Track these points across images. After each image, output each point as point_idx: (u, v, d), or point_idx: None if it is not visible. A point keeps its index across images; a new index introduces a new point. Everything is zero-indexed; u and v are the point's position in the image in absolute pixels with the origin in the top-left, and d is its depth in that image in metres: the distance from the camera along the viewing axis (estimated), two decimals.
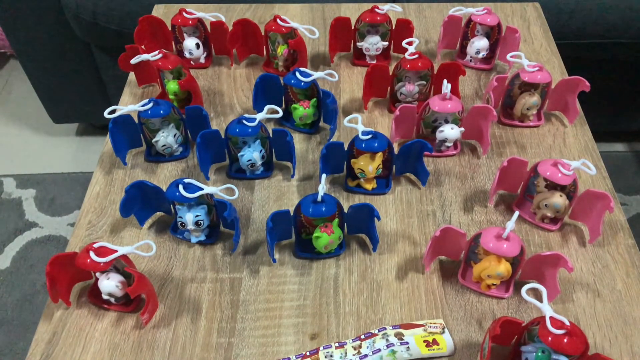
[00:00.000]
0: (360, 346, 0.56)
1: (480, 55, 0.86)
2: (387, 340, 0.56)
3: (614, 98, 1.46)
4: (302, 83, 0.73)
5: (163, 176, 0.73)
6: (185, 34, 0.86)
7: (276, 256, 0.64)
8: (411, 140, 0.69)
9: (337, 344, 0.56)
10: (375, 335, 0.57)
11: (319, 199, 0.60)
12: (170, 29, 0.86)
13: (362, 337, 0.57)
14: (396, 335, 0.57)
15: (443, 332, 0.57)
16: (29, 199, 1.57)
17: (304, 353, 0.56)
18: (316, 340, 0.57)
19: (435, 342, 0.56)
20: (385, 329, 0.58)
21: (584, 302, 0.60)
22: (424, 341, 0.56)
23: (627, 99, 1.48)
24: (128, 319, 0.59)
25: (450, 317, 0.59)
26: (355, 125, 0.66)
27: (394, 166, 0.70)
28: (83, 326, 0.58)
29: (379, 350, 0.55)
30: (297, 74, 0.73)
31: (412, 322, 0.59)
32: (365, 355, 0.55)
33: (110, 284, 0.57)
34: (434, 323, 0.58)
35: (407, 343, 0.56)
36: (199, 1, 0.96)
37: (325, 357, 0.55)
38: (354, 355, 0.55)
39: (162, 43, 0.87)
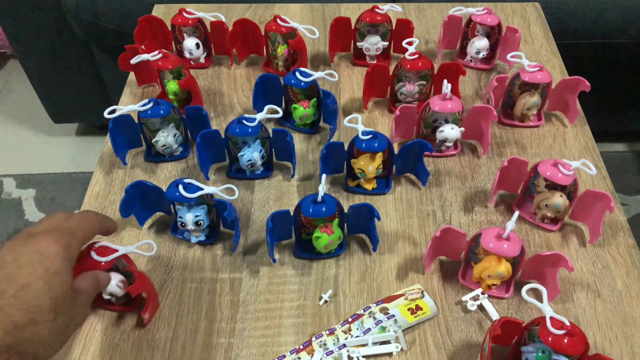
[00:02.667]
0: (349, 329, 0.57)
1: (480, 55, 0.86)
2: (374, 318, 0.57)
3: (614, 98, 1.46)
4: (302, 83, 0.73)
5: (163, 176, 0.73)
6: (185, 34, 0.86)
7: (276, 256, 0.64)
8: (411, 140, 0.69)
9: (327, 332, 0.57)
10: (362, 315, 0.58)
11: (319, 199, 0.60)
12: (170, 28, 0.86)
13: (350, 319, 0.58)
14: (381, 310, 0.58)
15: (423, 296, 0.59)
16: (28, 199, 1.58)
17: (297, 347, 0.56)
18: None
19: (418, 307, 0.58)
20: (370, 307, 0.59)
21: (584, 302, 0.60)
22: (408, 309, 0.58)
23: (627, 99, 1.49)
24: (128, 319, 0.59)
25: (450, 317, 0.59)
26: (355, 125, 0.66)
27: (394, 166, 0.70)
28: (82, 326, 0.58)
29: (369, 329, 0.56)
30: (297, 74, 0.73)
31: (391, 294, 0.60)
32: (357, 337, 0.56)
33: (111, 283, 0.57)
34: (413, 289, 0.60)
35: (394, 315, 0.57)
36: (199, 1, 0.96)
37: (320, 346, 0.56)
38: (345, 339, 0.56)
39: (162, 43, 0.87)
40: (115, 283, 0.57)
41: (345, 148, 0.69)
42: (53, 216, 0.52)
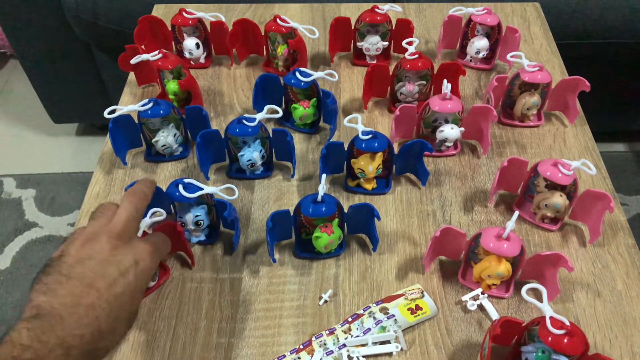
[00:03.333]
0: (349, 329, 0.57)
1: (480, 55, 0.86)
2: (374, 318, 0.57)
3: (614, 98, 1.46)
4: (302, 83, 0.73)
5: (163, 176, 0.73)
6: (185, 34, 0.86)
7: (276, 256, 0.64)
8: (411, 140, 0.69)
9: (327, 332, 0.57)
10: (362, 315, 0.58)
11: (319, 199, 0.60)
12: (170, 29, 0.86)
13: (350, 319, 0.58)
14: (381, 310, 0.58)
15: (423, 296, 0.59)
16: (29, 199, 1.58)
17: (297, 347, 0.56)
18: None
19: (418, 307, 0.58)
20: (370, 307, 0.59)
21: (584, 302, 0.60)
22: (408, 309, 0.58)
23: (627, 99, 1.48)
24: None
25: (450, 317, 0.59)
26: (355, 125, 0.66)
27: (394, 166, 0.70)
28: None
29: (369, 329, 0.56)
30: (297, 74, 0.73)
31: (391, 294, 0.60)
32: (357, 337, 0.56)
33: None
34: (413, 289, 0.60)
35: (394, 315, 0.57)
36: (199, 1, 0.96)
37: (320, 346, 0.56)
38: (345, 339, 0.56)
39: (162, 43, 0.87)
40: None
41: (345, 148, 0.69)
42: (129, 206, 0.53)
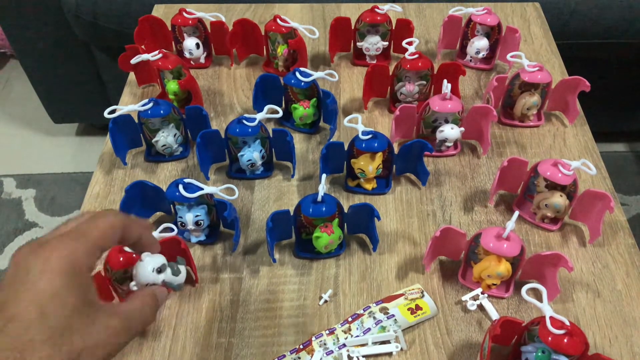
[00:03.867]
0: (349, 329, 0.57)
1: (480, 55, 0.86)
2: (374, 317, 0.57)
3: (614, 98, 1.46)
4: (302, 83, 0.73)
5: (163, 176, 0.73)
6: (185, 34, 0.86)
7: (276, 256, 0.64)
8: (411, 140, 0.69)
9: (327, 332, 0.57)
10: (362, 315, 0.58)
11: (319, 199, 0.60)
12: (170, 29, 0.86)
13: (350, 319, 0.58)
14: (381, 310, 0.58)
15: (423, 296, 0.59)
16: (29, 199, 1.58)
17: (297, 347, 0.56)
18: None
19: (418, 307, 0.58)
20: (370, 307, 0.59)
21: (584, 302, 0.60)
22: (408, 309, 0.58)
23: (627, 99, 1.49)
24: None
25: (450, 317, 0.59)
26: (355, 125, 0.66)
27: (394, 166, 0.70)
28: None
29: (369, 329, 0.56)
30: (297, 74, 0.73)
31: (391, 294, 0.60)
32: (357, 337, 0.56)
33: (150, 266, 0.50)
34: (413, 289, 0.60)
35: (394, 315, 0.57)
36: (199, 1, 0.96)
37: (320, 346, 0.56)
38: (345, 339, 0.56)
39: (162, 43, 0.87)
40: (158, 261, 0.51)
41: (345, 148, 0.69)
42: (80, 215, 0.42)
